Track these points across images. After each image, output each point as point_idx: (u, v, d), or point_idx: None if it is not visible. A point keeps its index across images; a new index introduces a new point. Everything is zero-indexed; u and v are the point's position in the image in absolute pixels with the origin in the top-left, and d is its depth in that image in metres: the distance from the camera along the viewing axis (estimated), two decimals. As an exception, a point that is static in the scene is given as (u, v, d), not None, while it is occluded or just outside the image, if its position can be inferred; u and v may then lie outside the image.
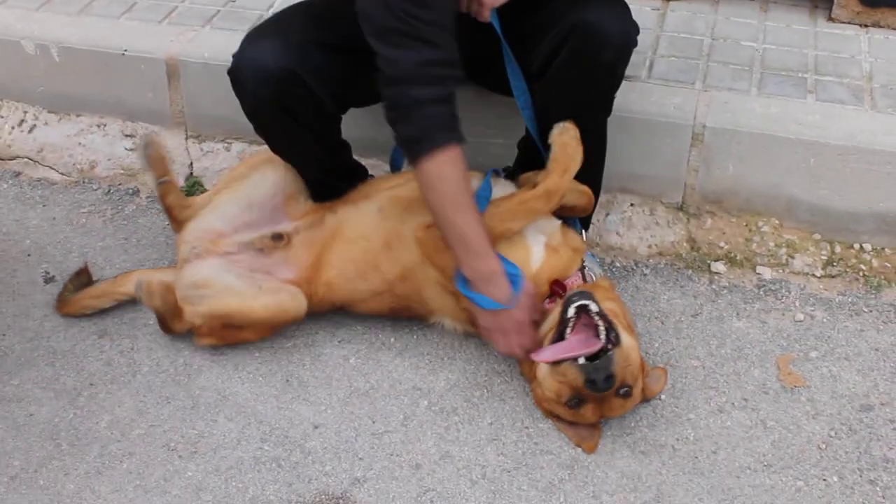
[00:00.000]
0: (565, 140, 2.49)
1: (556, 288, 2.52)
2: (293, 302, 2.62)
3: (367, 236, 2.63)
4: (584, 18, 2.40)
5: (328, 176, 2.79)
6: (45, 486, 2.35)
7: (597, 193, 2.76)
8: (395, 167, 2.83)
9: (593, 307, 2.34)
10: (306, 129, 2.61)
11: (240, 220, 2.73)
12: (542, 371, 2.41)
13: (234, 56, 2.54)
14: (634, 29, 2.48)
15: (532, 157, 2.66)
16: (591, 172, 2.65)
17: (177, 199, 2.79)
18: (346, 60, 2.45)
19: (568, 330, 2.35)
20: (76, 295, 2.80)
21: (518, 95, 2.57)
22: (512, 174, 2.75)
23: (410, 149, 2.40)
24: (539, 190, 2.49)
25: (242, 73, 2.52)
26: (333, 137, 2.75)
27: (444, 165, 2.35)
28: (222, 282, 2.62)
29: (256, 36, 2.56)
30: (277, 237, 2.68)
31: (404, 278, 2.61)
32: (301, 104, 2.53)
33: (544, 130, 2.56)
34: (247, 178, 2.78)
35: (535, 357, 2.38)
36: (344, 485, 2.35)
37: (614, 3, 2.48)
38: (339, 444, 2.44)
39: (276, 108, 2.53)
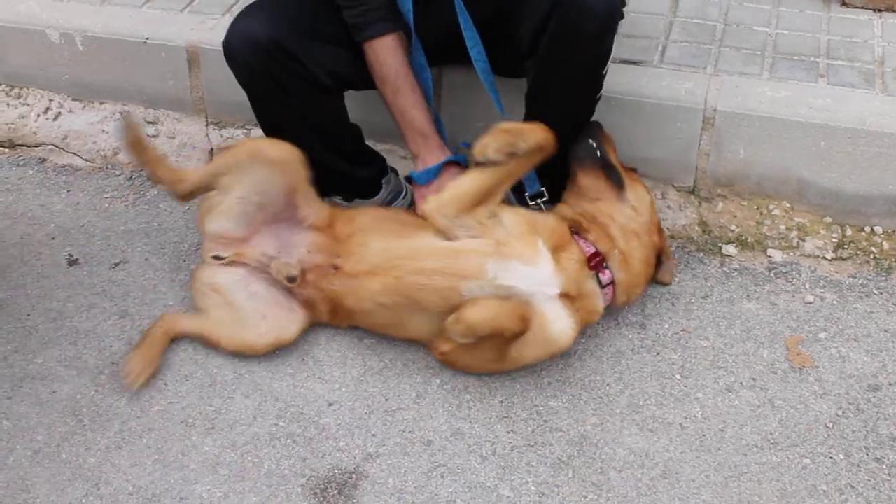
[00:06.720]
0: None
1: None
2: (296, 333, 2.66)
3: (381, 304, 2.57)
4: None
5: (333, 157, 2.79)
6: (67, 460, 2.41)
7: None
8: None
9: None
10: (299, 103, 2.65)
11: (258, 219, 2.66)
12: None
13: (227, 30, 2.63)
14: (619, 0, 2.51)
15: None
16: None
17: (167, 175, 2.75)
18: (340, 36, 2.53)
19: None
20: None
21: (476, 59, 2.64)
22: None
23: (355, 34, 2.60)
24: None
25: (233, 45, 2.60)
26: (332, 115, 2.77)
27: (384, 52, 2.60)
28: (231, 296, 2.65)
29: (249, 9, 2.63)
30: (291, 279, 2.62)
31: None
32: (293, 77, 2.59)
33: (540, 112, 2.58)
34: (251, 173, 2.62)
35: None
36: (357, 460, 2.40)
37: None
38: (352, 420, 2.49)
39: (268, 79, 2.60)
